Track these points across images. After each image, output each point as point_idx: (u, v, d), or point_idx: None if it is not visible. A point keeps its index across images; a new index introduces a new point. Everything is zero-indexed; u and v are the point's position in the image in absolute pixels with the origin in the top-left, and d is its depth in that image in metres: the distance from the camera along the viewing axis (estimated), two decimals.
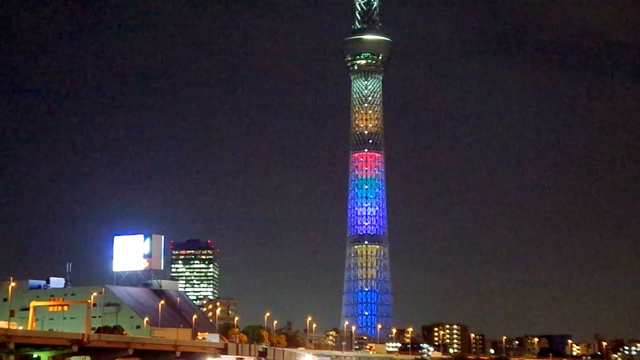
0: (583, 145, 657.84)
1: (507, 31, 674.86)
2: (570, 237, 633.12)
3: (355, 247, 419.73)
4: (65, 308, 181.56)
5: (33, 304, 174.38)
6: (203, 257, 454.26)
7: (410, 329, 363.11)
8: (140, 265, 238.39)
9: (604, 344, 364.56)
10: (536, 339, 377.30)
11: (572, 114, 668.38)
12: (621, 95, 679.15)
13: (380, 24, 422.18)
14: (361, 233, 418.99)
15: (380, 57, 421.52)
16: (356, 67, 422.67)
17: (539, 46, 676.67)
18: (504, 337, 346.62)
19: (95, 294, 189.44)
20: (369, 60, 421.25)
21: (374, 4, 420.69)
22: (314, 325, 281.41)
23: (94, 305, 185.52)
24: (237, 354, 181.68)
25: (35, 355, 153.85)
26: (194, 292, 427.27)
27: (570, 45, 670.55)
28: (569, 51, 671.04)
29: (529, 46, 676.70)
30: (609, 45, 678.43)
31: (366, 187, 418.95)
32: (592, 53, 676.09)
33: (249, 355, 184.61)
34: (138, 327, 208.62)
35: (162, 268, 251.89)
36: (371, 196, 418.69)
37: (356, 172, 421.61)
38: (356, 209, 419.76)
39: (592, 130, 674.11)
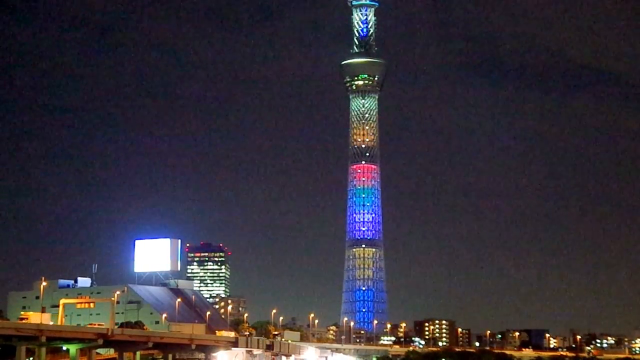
0: (558, 158, 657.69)
1: (485, 54, 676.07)
2: (547, 242, 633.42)
3: (354, 250, 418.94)
4: (92, 305, 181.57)
5: (62, 301, 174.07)
6: (216, 259, 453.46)
7: (404, 324, 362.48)
8: (159, 266, 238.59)
9: (578, 337, 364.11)
10: (517, 333, 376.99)
11: (550, 129, 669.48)
12: (584, 114, 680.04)
13: (376, 48, 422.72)
14: (359, 237, 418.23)
15: (376, 78, 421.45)
16: (354, 87, 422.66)
17: (512, 67, 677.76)
18: (488, 332, 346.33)
19: (118, 292, 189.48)
20: (366, 81, 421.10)
21: (370, 30, 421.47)
22: (316, 321, 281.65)
23: (118, 302, 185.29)
24: (247, 347, 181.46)
25: (64, 348, 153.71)
26: (208, 291, 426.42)
27: (539, 66, 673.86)
28: (536, 72, 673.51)
29: (503, 67, 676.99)
30: (572, 66, 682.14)
31: (363, 195, 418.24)
32: (557, 74, 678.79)
33: (258, 347, 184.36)
34: (157, 322, 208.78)
35: (179, 269, 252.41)
36: (368, 204, 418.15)
37: (354, 182, 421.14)
38: (354, 215, 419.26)
39: (561, 145, 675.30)
